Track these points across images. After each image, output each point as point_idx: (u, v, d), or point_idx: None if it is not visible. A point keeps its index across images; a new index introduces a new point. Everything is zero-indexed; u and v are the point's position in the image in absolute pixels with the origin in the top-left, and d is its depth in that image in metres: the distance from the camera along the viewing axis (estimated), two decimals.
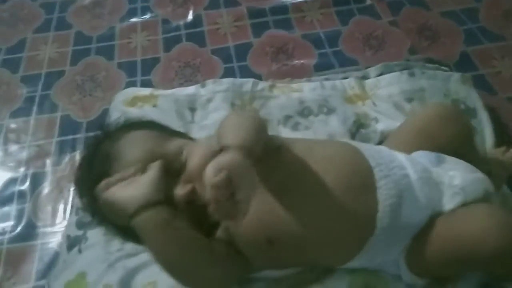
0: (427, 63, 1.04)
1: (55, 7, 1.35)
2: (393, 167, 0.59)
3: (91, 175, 0.63)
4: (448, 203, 0.58)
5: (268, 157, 0.59)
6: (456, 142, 0.68)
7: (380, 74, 0.91)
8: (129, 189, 0.54)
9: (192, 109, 0.83)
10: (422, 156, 0.64)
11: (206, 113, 0.82)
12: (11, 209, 0.89)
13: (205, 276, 0.55)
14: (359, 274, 0.62)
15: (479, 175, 0.61)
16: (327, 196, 0.56)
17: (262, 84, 0.87)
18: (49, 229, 0.85)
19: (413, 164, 0.61)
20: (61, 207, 0.89)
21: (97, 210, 0.65)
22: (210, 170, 0.46)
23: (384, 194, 0.56)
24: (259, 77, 1.07)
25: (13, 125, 1.04)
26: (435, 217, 0.57)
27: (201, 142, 0.68)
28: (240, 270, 0.59)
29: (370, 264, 0.61)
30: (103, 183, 0.56)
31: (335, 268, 0.62)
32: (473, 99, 0.87)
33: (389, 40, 1.15)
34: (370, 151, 0.62)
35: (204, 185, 0.46)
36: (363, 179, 0.58)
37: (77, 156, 0.96)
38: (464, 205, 0.57)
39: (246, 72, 1.10)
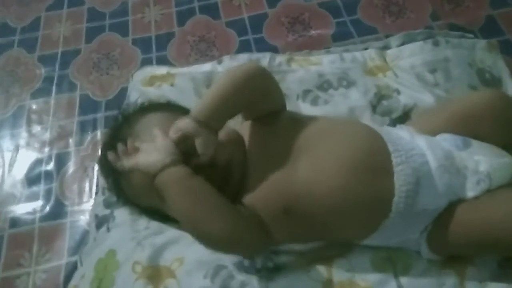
0: (450, 29, 1.01)
1: None
2: (412, 154, 0.58)
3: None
4: (472, 190, 0.57)
5: (281, 125, 0.62)
6: (498, 135, 0.64)
7: (402, 44, 0.88)
8: (149, 154, 0.57)
9: (210, 86, 0.82)
10: (447, 139, 0.62)
11: None
12: (39, 189, 0.92)
13: (232, 231, 0.55)
14: (381, 250, 0.62)
15: (507, 160, 0.60)
16: (343, 170, 0.57)
17: (279, 58, 0.86)
18: (76, 208, 0.88)
19: (434, 150, 0.59)
20: (86, 185, 0.92)
21: (121, 191, 0.67)
22: (171, 129, 0.57)
23: (401, 180, 0.56)
24: (275, 49, 1.06)
25: (34, 106, 1.06)
26: (457, 202, 0.56)
27: None
28: (263, 237, 0.59)
29: (388, 242, 0.61)
30: (120, 148, 0.60)
31: (353, 243, 0.63)
32: (499, 68, 0.84)
33: (410, 6, 1.11)
34: (391, 136, 0.62)
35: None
36: (381, 162, 0.58)
37: (99, 135, 0.98)
38: (489, 191, 0.56)
39: (262, 44, 1.08)
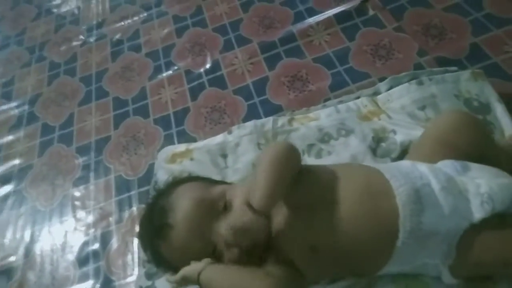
0: (438, 63, 1.08)
1: (91, 78, 1.52)
2: (411, 177, 0.64)
3: (152, 228, 0.74)
4: (478, 212, 0.60)
5: (299, 179, 0.69)
6: (476, 146, 0.70)
7: (390, 88, 0.96)
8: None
9: (224, 156, 0.93)
10: (447, 166, 0.67)
11: (236, 157, 0.92)
12: (88, 268, 1.03)
13: None
14: (401, 280, 0.67)
15: (506, 180, 0.63)
16: (348, 206, 0.64)
17: (281, 120, 0.96)
18: (123, 281, 0.98)
19: (436, 174, 0.64)
20: (129, 259, 1.02)
21: (160, 260, 0.76)
22: (227, 229, 0.66)
23: (403, 200, 0.61)
24: (279, 108, 1.17)
25: (77, 193, 1.19)
26: (471, 228, 0.59)
27: (239, 185, 0.79)
28: (298, 283, 0.67)
29: (406, 268, 0.66)
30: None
31: (375, 274, 0.68)
32: (486, 94, 0.89)
33: (397, 47, 1.20)
34: (388, 167, 0.69)
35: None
36: (380, 187, 0.64)
37: (135, 211, 1.10)
38: (495, 213, 0.59)
39: (267, 105, 1.19)
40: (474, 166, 0.67)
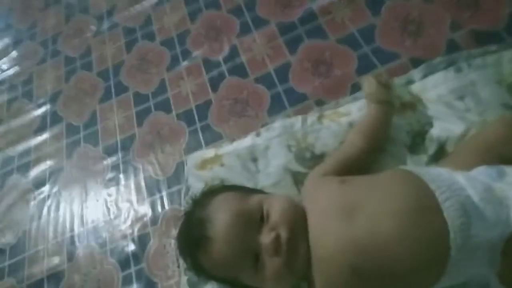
0: (473, 37, 1.01)
1: (109, 72, 1.50)
2: (455, 189, 0.61)
3: (191, 241, 0.75)
4: None
5: (329, 188, 0.70)
6: None
7: (424, 76, 0.90)
8: None
9: (254, 159, 0.91)
10: (482, 173, 0.65)
11: (267, 160, 0.90)
12: (131, 271, 1.06)
13: None
14: None
15: None
16: (396, 220, 0.61)
17: (310, 118, 0.92)
18: (165, 283, 1.01)
19: (473, 184, 0.62)
20: (169, 260, 1.05)
21: (201, 271, 0.78)
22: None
23: (451, 215, 0.59)
24: (304, 97, 1.13)
25: (109, 196, 1.22)
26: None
27: (276, 195, 0.79)
28: None
29: (457, 281, 0.64)
30: None
31: None
32: None
33: (427, 21, 1.11)
34: (430, 175, 0.66)
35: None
36: (427, 202, 0.61)
37: (168, 212, 1.11)
38: None
39: (291, 94, 1.15)
40: (510, 171, 0.64)
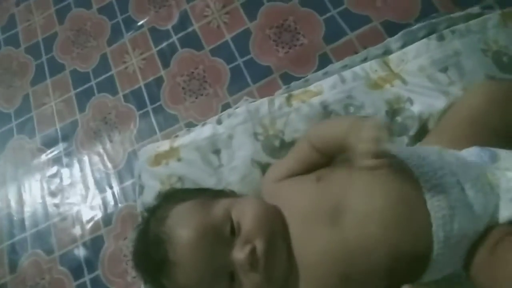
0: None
1: (39, 47, 1.28)
2: (442, 174, 0.56)
3: (150, 265, 0.63)
4: (505, 210, 0.55)
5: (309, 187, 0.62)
6: (509, 122, 0.63)
7: (404, 45, 0.80)
8: None
9: (217, 151, 0.79)
10: (474, 155, 0.60)
11: (231, 152, 0.78)
12: (86, 279, 0.95)
13: None
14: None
15: None
16: (383, 222, 0.55)
17: (278, 100, 0.80)
18: None
19: (465, 169, 0.57)
20: (127, 265, 0.93)
21: None
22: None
23: (434, 206, 0.54)
24: (268, 70, 1.01)
25: (51, 197, 1.06)
26: (493, 225, 0.55)
27: (245, 198, 0.69)
28: None
29: (438, 277, 0.60)
30: None
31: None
32: None
33: None
34: (416, 159, 0.59)
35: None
36: (411, 193, 0.56)
37: (123, 209, 0.98)
38: None
39: (253, 67, 1.02)
40: (503, 155, 0.59)
